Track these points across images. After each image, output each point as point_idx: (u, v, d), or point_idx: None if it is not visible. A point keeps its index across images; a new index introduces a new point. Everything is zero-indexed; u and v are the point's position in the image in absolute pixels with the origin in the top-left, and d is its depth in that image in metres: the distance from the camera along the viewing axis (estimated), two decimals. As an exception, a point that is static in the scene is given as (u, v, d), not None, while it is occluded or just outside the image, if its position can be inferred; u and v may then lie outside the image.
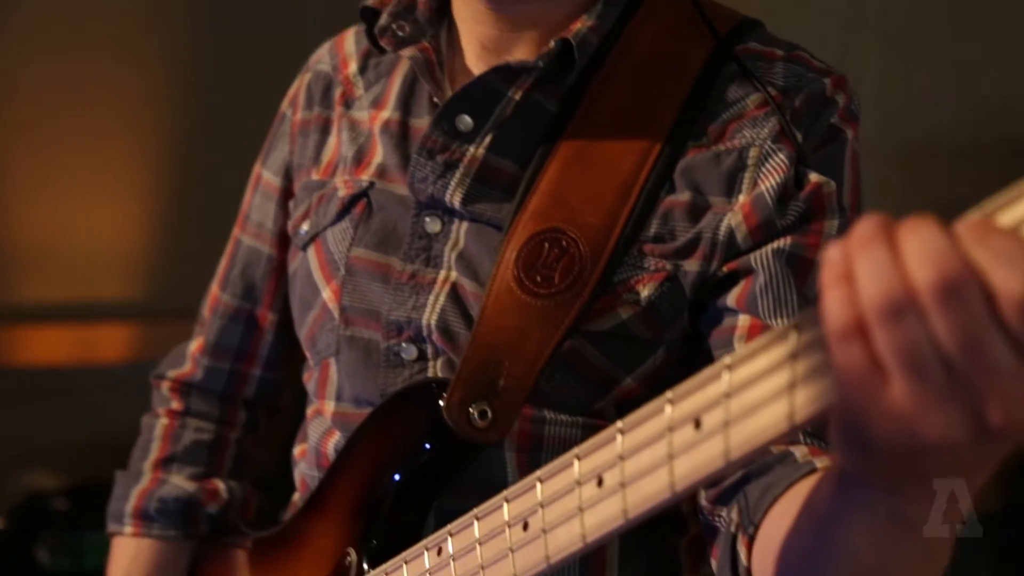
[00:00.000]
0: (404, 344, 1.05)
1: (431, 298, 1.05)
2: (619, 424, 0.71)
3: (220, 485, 1.29)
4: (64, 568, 2.88)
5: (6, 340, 2.94)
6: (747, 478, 0.91)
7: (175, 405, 1.32)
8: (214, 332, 1.30)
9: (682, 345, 1.01)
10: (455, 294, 1.04)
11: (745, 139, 1.00)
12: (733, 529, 0.91)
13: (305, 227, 1.16)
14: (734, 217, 0.98)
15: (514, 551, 0.78)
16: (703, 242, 0.99)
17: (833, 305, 0.58)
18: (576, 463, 0.73)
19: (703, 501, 0.97)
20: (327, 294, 1.12)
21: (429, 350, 1.04)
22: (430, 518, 1.00)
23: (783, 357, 0.61)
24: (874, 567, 0.74)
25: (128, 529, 1.27)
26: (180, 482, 1.27)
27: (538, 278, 0.98)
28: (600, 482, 0.71)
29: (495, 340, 0.97)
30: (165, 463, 1.29)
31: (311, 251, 1.15)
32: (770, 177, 0.98)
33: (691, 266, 0.99)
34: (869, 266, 0.57)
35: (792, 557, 0.82)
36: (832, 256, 0.59)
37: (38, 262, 2.95)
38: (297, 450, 1.22)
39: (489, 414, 0.95)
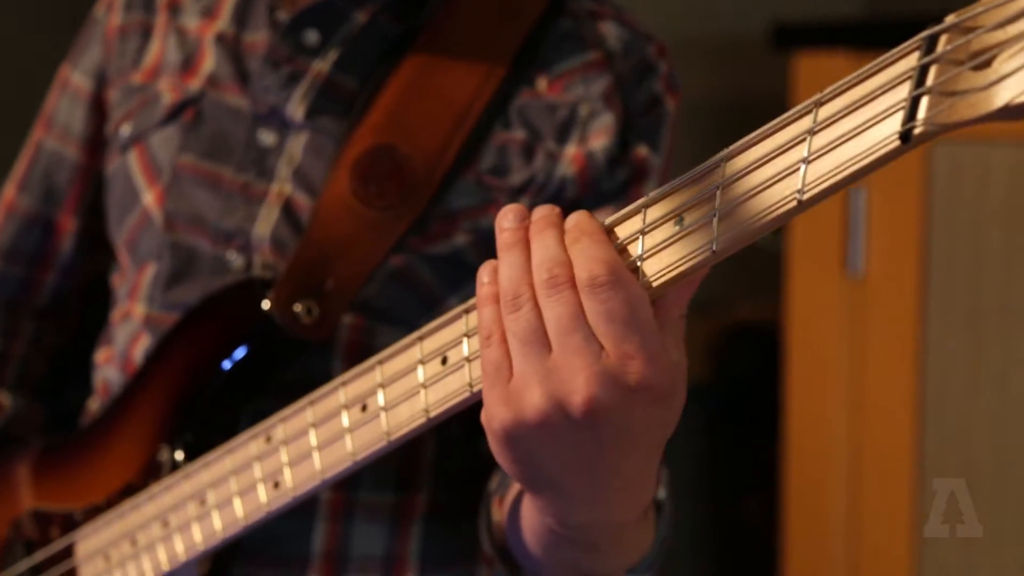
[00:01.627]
0: (231, 253, 1.08)
1: (263, 210, 1.08)
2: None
3: (4, 398, 1.27)
4: None
5: None
6: None
7: None
8: (8, 236, 1.27)
9: None
10: (288, 208, 1.07)
11: (577, 95, 1.08)
12: (492, 487, 1.02)
13: (126, 129, 1.16)
14: (568, 168, 1.07)
15: (352, 431, 0.85)
16: (534, 184, 1.07)
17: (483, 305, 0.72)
18: (419, 344, 0.80)
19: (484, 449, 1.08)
20: (148, 198, 1.13)
21: (257, 260, 1.07)
22: (243, 422, 1.02)
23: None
24: (567, 562, 0.89)
25: None
26: None
27: (372, 189, 1.03)
28: (444, 361, 0.79)
29: (325, 243, 1.01)
30: None
31: (132, 154, 1.15)
32: (600, 137, 1.07)
33: (526, 202, 1.05)
34: (507, 270, 0.70)
35: (516, 533, 0.95)
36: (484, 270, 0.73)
37: None
38: (101, 355, 1.21)
39: (315, 311, 0.99)
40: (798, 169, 0.62)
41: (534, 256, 0.70)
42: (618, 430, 0.68)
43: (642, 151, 1.09)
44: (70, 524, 1.10)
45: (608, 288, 0.67)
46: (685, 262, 0.67)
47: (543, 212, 0.72)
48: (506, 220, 0.72)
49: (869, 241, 2.02)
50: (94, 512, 1.08)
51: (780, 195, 0.62)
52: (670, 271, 0.67)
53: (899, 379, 2.02)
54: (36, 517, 1.15)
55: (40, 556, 1.13)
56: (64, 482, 1.15)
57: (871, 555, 2.05)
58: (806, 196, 0.61)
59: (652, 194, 0.69)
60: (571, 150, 1.08)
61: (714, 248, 0.65)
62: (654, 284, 0.68)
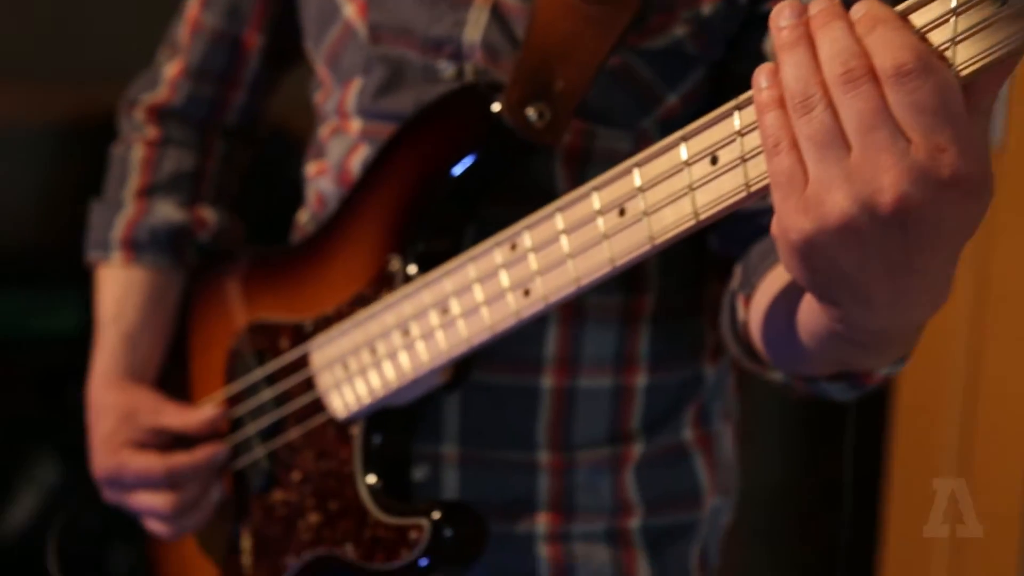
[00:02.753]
0: (442, 61, 1.05)
1: (471, 15, 1.04)
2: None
3: (207, 213, 1.29)
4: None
5: None
6: (755, 233, 0.98)
7: (151, 133, 1.30)
8: (197, 55, 1.27)
9: (718, 68, 1.05)
10: (497, 11, 1.03)
11: None
12: (735, 286, 0.99)
13: None
14: None
15: (610, 237, 0.83)
16: None
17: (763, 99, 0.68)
18: (683, 145, 0.77)
19: (714, 246, 1.06)
20: (349, 11, 1.10)
21: (468, 67, 1.04)
22: (469, 228, 1.03)
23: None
24: (836, 361, 0.85)
25: (116, 256, 1.26)
26: (167, 211, 1.27)
27: None
28: (714, 161, 0.76)
29: (548, 44, 0.97)
30: (148, 192, 1.28)
31: None
32: None
33: None
34: (792, 70, 0.66)
35: (772, 331, 0.92)
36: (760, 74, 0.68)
37: None
38: (312, 168, 1.21)
39: (547, 114, 0.96)
40: None
41: (822, 51, 0.65)
42: (928, 229, 0.64)
43: None
44: (300, 334, 1.12)
45: (916, 76, 0.62)
46: (1006, 45, 0.62)
47: (823, 4, 0.67)
48: (782, 17, 0.67)
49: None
50: (324, 323, 1.09)
51: None
52: (987, 56, 0.62)
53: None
54: (263, 328, 1.17)
55: (274, 365, 1.15)
56: (287, 294, 1.17)
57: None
58: None
59: None
60: None
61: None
62: (965, 72, 0.63)
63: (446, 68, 1.06)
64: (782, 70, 0.67)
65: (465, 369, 1.02)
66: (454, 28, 1.05)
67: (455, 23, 1.05)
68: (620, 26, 0.98)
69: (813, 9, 0.67)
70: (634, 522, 1.12)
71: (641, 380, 1.10)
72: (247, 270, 1.23)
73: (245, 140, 1.36)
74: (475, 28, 1.04)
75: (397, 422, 1.06)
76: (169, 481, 1.16)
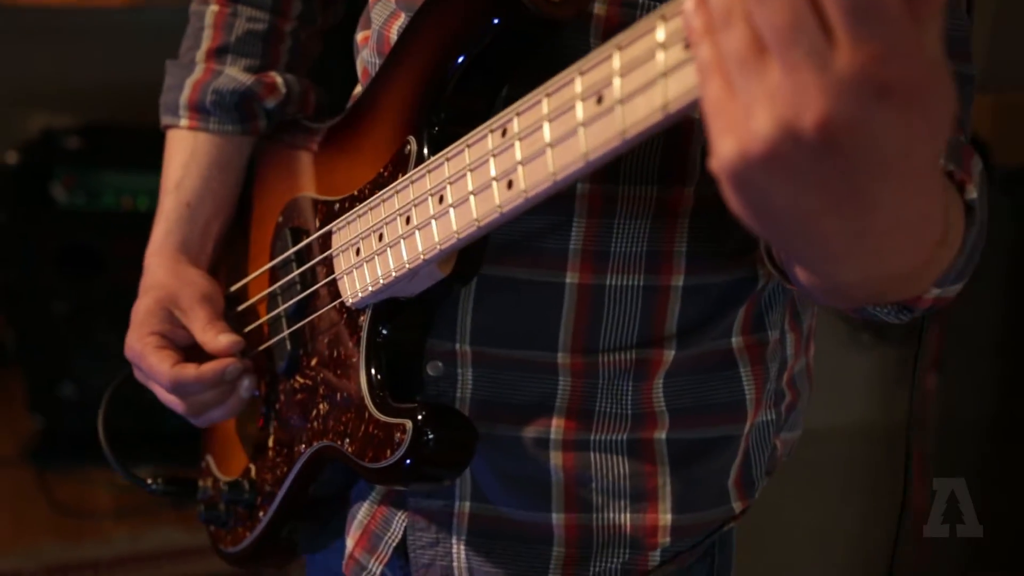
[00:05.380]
0: None
1: None
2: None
3: (277, 78, 1.23)
4: (80, 205, 2.87)
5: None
6: None
7: None
8: None
9: None
10: None
11: None
12: None
13: None
14: None
15: (585, 126, 0.73)
16: None
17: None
18: (661, 25, 0.66)
19: None
20: None
21: None
22: (499, 108, 0.94)
23: None
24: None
25: (184, 122, 1.22)
26: (236, 74, 1.22)
27: None
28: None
29: None
30: (219, 53, 1.23)
31: None
32: None
33: None
34: None
35: (790, 270, 0.82)
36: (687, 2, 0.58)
37: None
38: (360, 36, 1.14)
39: None
40: None
41: None
42: (867, 151, 0.54)
43: None
44: (330, 214, 1.06)
45: None
46: None
47: None
48: None
49: None
50: (350, 203, 1.03)
51: None
52: None
53: None
54: (303, 204, 1.12)
55: (303, 243, 1.10)
56: (327, 170, 1.11)
57: None
58: None
59: None
60: None
61: None
62: None
63: None
64: None
65: (470, 262, 0.94)
66: None
67: None
68: None
69: None
70: (659, 433, 1.03)
71: (677, 280, 1.00)
72: (304, 142, 1.17)
73: (323, 2, 1.30)
74: None
75: (406, 315, 1.00)
76: (175, 390, 1.13)
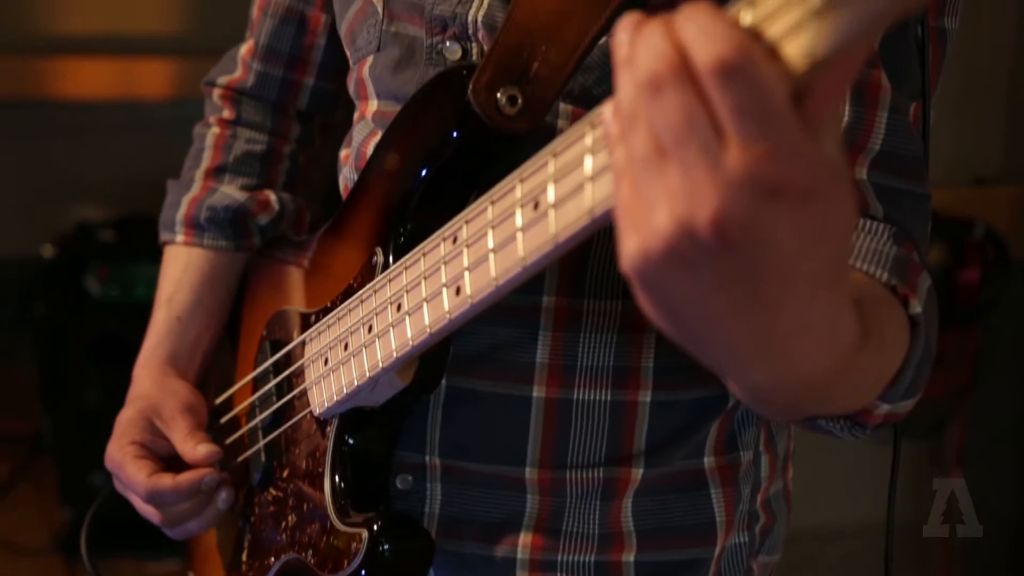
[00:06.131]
0: (448, 42, 0.97)
1: None
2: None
3: (271, 196, 1.25)
4: (113, 298, 2.92)
5: (47, 72, 2.91)
6: None
7: (227, 114, 1.27)
8: (265, 33, 1.24)
9: None
10: None
11: None
12: None
13: None
14: None
15: (523, 232, 0.73)
16: None
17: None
18: (590, 132, 0.67)
19: None
20: None
21: (474, 49, 0.97)
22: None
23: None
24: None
25: (179, 237, 1.24)
26: (231, 191, 1.24)
27: None
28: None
29: (532, 22, 0.88)
30: (216, 172, 1.26)
31: None
32: None
33: None
34: (622, 90, 0.57)
35: None
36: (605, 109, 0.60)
37: (79, -7, 2.89)
38: (342, 154, 1.17)
39: (519, 100, 0.87)
40: None
41: (637, 60, 0.56)
42: (762, 250, 0.54)
43: None
44: (306, 325, 1.07)
45: (736, 72, 0.52)
46: (832, 43, 0.51)
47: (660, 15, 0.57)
48: (623, 31, 0.58)
49: None
50: (323, 313, 1.04)
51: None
52: (814, 54, 0.52)
53: None
54: (286, 317, 1.13)
55: (280, 353, 1.11)
56: (307, 283, 1.13)
57: None
58: None
59: None
60: None
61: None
62: (795, 70, 0.52)
63: (452, 49, 0.98)
64: (617, 92, 0.58)
65: (431, 372, 0.94)
66: (459, 6, 0.97)
67: (461, 1, 0.97)
68: (613, 4, 0.88)
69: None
70: (627, 555, 1.01)
71: (644, 395, 0.99)
72: (291, 257, 1.19)
73: (322, 126, 1.32)
74: (479, 6, 0.96)
75: (373, 425, 1.00)
76: (150, 500, 1.12)
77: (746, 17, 0.55)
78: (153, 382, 1.22)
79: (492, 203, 0.77)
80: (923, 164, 0.90)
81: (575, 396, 0.98)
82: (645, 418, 0.99)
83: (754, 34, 0.54)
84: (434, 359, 0.92)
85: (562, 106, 0.93)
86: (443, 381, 0.97)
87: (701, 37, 0.54)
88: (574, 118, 0.93)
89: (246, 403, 1.17)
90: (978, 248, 2.53)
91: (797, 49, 0.53)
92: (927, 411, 2.52)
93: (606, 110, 0.61)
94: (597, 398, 0.98)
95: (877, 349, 0.73)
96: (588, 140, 0.66)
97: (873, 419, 0.82)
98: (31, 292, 2.97)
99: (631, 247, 0.57)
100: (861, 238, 0.84)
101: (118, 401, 1.23)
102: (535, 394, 0.98)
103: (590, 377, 0.98)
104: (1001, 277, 2.57)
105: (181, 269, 1.26)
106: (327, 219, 1.31)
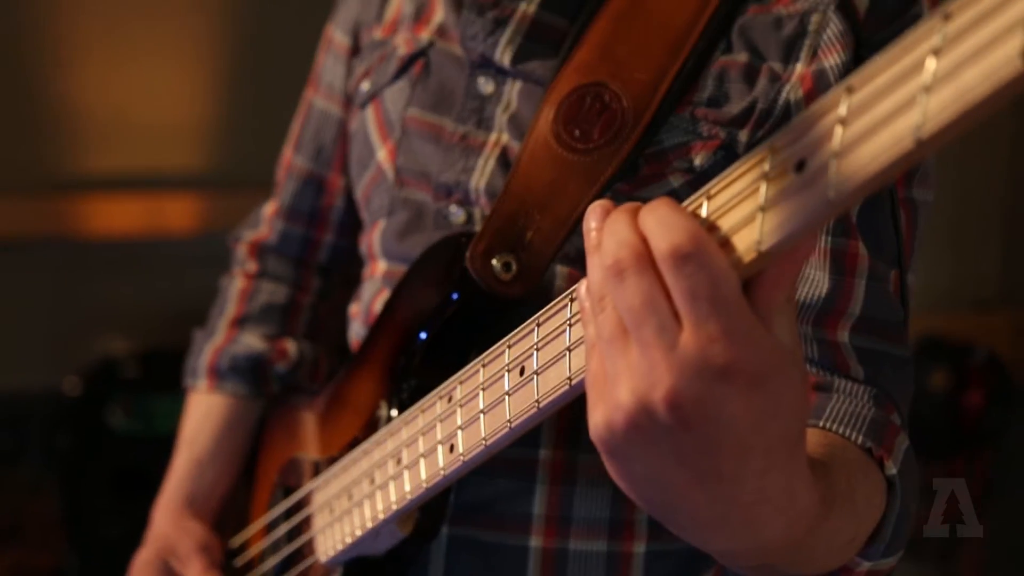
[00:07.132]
0: (452, 207, 1.04)
1: (480, 161, 1.03)
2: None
3: (290, 345, 1.30)
4: (136, 431, 2.96)
5: (74, 210, 2.99)
6: None
7: (251, 267, 1.34)
8: (288, 195, 1.31)
9: None
10: (505, 157, 1.02)
11: (808, 3, 0.94)
12: None
13: (365, 86, 1.15)
14: (794, 91, 0.93)
15: (510, 395, 0.78)
16: (755, 111, 0.94)
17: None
18: (570, 305, 0.72)
19: None
20: (382, 154, 1.12)
21: (477, 213, 1.03)
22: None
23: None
24: None
25: (202, 384, 1.30)
26: (252, 341, 1.29)
27: (577, 132, 0.94)
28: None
29: (527, 193, 0.94)
30: (239, 322, 1.31)
31: (369, 111, 1.14)
32: (832, 53, 0.92)
33: (744, 136, 0.94)
34: (592, 273, 0.64)
35: None
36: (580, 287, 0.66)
37: (105, 132, 2.98)
38: (352, 309, 1.22)
39: (513, 267, 0.93)
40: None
41: (603, 249, 0.62)
42: (718, 428, 0.58)
43: None
44: (316, 473, 1.11)
45: (690, 260, 0.57)
46: (780, 238, 0.56)
47: (625, 204, 0.64)
48: (590, 219, 0.65)
49: None
50: (330, 463, 1.08)
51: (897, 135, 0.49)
52: (762, 247, 0.57)
53: None
54: (298, 464, 1.17)
55: (291, 501, 1.14)
56: (317, 432, 1.17)
57: None
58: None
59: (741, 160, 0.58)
60: (798, 69, 0.93)
61: (830, 196, 0.53)
62: (746, 260, 0.57)
63: (456, 214, 1.04)
64: (588, 275, 0.64)
65: (430, 522, 0.98)
66: (463, 174, 1.03)
67: (464, 169, 1.03)
68: (603, 177, 0.94)
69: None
70: None
71: (639, 546, 1.02)
72: (307, 404, 1.23)
73: (342, 280, 1.38)
74: (482, 174, 1.03)
75: (377, 573, 1.03)
76: None
77: (703, 208, 0.61)
78: (170, 522, 1.26)
79: (483, 366, 0.82)
80: (904, 328, 0.94)
81: (571, 547, 1.02)
82: (640, 568, 1.02)
83: (710, 225, 0.59)
84: (433, 510, 0.96)
85: (559, 268, 0.98)
86: (445, 530, 1.01)
87: (660, 227, 0.59)
88: (570, 280, 0.98)
89: (259, 546, 1.21)
90: (980, 372, 2.56)
91: (746, 241, 0.58)
92: (936, 538, 2.52)
93: (582, 287, 0.66)
94: (593, 548, 1.01)
95: (848, 512, 0.76)
96: (568, 312, 0.71)
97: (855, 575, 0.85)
98: (55, 426, 3.01)
99: (597, 418, 0.61)
100: (839, 400, 0.88)
101: (140, 535, 1.26)
102: (532, 544, 1.02)
103: (586, 528, 1.01)
104: (1004, 402, 2.60)
105: (203, 414, 1.31)
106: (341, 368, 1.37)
